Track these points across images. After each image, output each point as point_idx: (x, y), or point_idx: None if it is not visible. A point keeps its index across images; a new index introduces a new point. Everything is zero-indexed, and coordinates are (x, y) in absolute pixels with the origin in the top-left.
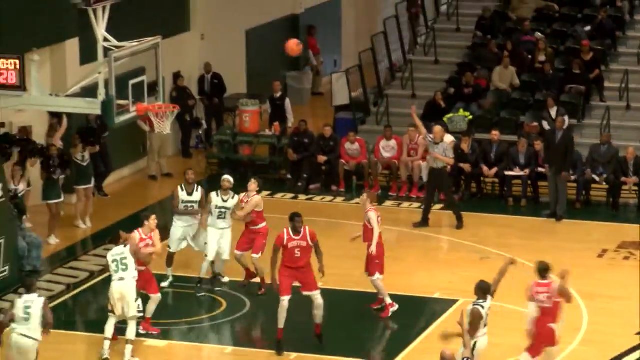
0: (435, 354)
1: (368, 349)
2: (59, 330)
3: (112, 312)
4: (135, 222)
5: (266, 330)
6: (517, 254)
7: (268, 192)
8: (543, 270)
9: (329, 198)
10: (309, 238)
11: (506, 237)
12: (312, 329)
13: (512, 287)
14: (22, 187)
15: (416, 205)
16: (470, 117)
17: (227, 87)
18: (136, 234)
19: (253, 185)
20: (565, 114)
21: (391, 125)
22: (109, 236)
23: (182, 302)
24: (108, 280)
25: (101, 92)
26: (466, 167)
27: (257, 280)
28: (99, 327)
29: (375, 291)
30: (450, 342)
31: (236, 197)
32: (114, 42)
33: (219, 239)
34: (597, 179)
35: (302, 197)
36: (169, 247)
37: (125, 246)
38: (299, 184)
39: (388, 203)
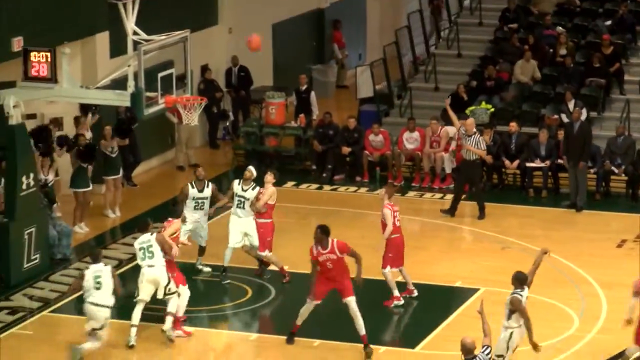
0: (457, 341)
1: (391, 337)
2: None
3: (140, 299)
4: (163, 211)
5: (290, 317)
6: (538, 244)
7: (293, 183)
8: None
9: (353, 188)
10: (337, 251)
11: (527, 227)
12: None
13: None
14: (51, 176)
15: (438, 195)
16: (492, 109)
17: (254, 80)
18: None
19: (269, 177)
20: (583, 107)
21: (414, 118)
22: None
23: (209, 290)
24: (136, 268)
25: (130, 84)
26: (488, 158)
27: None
28: (126, 314)
29: (403, 280)
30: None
31: (257, 188)
32: (144, 35)
33: (244, 229)
34: (616, 170)
35: (326, 187)
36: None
37: (152, 234)
38: (324, 175)
39: (411, 194)
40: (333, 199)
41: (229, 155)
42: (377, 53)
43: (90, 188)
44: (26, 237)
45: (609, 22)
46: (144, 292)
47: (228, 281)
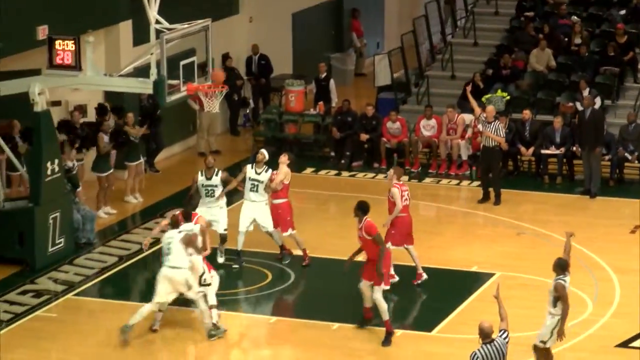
0: (473, 325)
1: (407, 320)
2: (113, 300)
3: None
4: (184, 197)
5: (309, 301)
6: (552, 230)
7: (312, 169)
8: None
9: (370, 175)
10: (364, 231)
11: (542, 213)
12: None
13: (550, 262)
14: (75, 163)
15: (454, 182)
16: (508, 97)
17: (274, 68)
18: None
19: (284, 157)
20: (597, 95)
21: (431, 105)
22: (160, 210)
23: (229, 274)
24: (159, 252)
25: (153, 72)
26: (504, 145)
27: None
28: (149, 298)
29: (413, 264)
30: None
31: (270, 171)
32: (166, 24)
33: (254, 214)
34: (630, 157)
35: (345, 173)
36: None
37: (179, 232)
38: (342, 161)
39: (427, 180)
40: (351, 185)
41: (249, 141)
42: (395, 42)
43: (112, 171)
44: (51, 221)
45: (623, 12)
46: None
47: (237, 265)
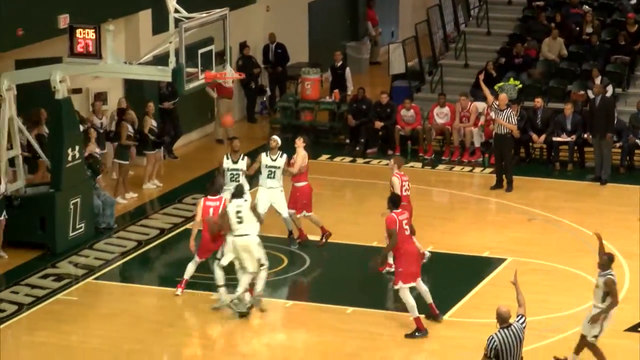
0: (485, 310)
1: (419, 305)
2: (133, 284)
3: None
4: (202, 183)
5: (324, 286)
6: (563, 216)
7: (328, 156)
8: None
9: (385, 162)
10: (386, 224)
11: (553, 199)
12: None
13: (561, 247)
14: (97, 149)
15: (467, 169)
16: (520, 85)
17: (290, 56)
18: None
19: (299, 141)
20: (609, 84)
21: (445, 93)
22: (179, 196)
23: None
24: (178, 237)
25: (172, 60)
26: (516, 133)
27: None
28: (169, 281)
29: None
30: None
31: (285, 155)
32: (185, 13)
33: (270, 199)
34: None
35: (359, 160)
36: None
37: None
38: (357, 148)
39: (441, 167)
40: (366, 172)
41: (265, 129)
42: (409, 31)
43: (130, 161)
44: (72, 207)
45: (634, 1)
46: (227, 258)
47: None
